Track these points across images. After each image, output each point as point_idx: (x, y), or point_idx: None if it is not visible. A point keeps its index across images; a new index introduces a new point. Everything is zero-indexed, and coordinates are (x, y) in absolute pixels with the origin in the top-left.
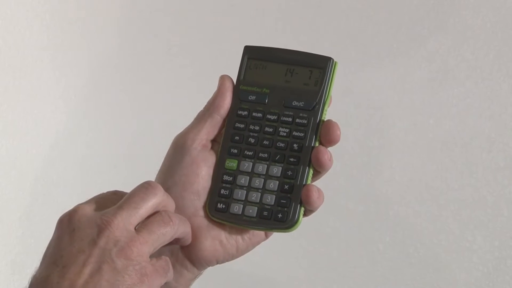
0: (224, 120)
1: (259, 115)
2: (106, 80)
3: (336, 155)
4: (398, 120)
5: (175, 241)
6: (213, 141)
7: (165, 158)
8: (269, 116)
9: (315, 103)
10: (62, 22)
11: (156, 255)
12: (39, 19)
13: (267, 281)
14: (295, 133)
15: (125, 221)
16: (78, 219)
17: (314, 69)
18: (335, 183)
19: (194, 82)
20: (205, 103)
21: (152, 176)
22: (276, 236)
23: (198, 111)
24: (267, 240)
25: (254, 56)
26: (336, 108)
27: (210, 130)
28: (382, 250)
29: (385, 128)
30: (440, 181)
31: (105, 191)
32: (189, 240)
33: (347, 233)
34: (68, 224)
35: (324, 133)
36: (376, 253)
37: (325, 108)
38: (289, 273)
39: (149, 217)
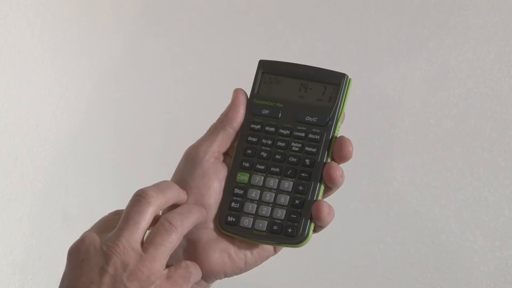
0: (237, 134)
1: (272, 129)
2: (107, 80)
3: None
4: (399, 120)
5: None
6: (225, 154)
7: (176, 170)
8: (282, 131)
9: (328, 118)
10: (63, 23)
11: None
12: (40, 20)
13: (268, 281)
14: (307, 149)
15: (130, 241)
16: (85, 249)
17: (328, 85)
18: None
19: (196, 82)
20: (208, 109)
21: (152, 177)
22: None
23: (201, 114)
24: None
25: (268, 70)
26: None
27: (222, 142)
28: (383, 250)
29: (386, 128)
30: (441, 181)
31: (104, 194)
32: (205, 217)
33: (348, 233)
34: (76, 256)
35: (336, 149)
36: (377, 253)
37: (338, 124)
38: (290, 273)
39: (153, 224)
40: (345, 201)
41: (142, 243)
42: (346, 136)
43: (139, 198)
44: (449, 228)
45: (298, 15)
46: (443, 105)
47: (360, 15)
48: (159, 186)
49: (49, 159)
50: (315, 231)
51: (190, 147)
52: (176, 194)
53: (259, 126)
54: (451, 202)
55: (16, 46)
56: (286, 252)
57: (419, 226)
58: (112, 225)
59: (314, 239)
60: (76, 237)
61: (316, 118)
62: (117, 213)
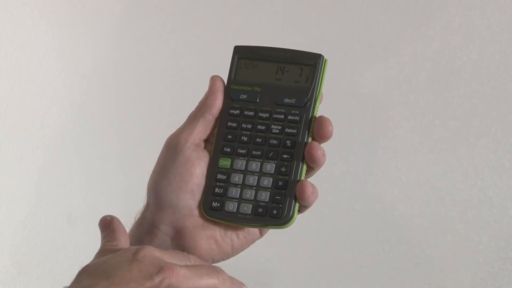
0: (217, 120)
1: (251, 113)
2: (112, 81)
3: (342, 156)
4: (404, 120)
5: None
6: (206, 141)
7: (159, 159)
8: (261, 114)
9: (306, 99)
10: (68, 23)
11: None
12: (45, 20)
13: (273, 281)
14: (287, 130)
15: (187, 278)
16: (144, 255)
17: (305, 66)
18: (341, 183)
19: (200, 82)
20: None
21: None
22: (282, 236)
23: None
24: (273, 240)
25: (244, 55)
26: (342, 109)
27: (202, 129)
28: (388, 251)
29: (391, 129)
30: (445, 181)
31: (109, 195)
32: None
33: (352, 233)
34: (133, 255)
35: (316, 129)
36: (382, 253)
37: (317, 104)
38: (294, 273)
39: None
40: (350, 202)
41: None
42: (350, 135)
43: (216, 268)
44: (454, 228)
45: (302, 15)
46: (448, 105)
47: (365, 15)
48: (233, 280)
49: (54, 160)
50: (300, 211)
51: (170, 135)
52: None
53: (238, 111)
54: (456, 203)
55: (21, 46)
56: (290, 252)
57: (424, 226)
58: (175, 259)
59: (319, 239)
60: (81, 238)
61: (295, 100)
62: (187, 256)
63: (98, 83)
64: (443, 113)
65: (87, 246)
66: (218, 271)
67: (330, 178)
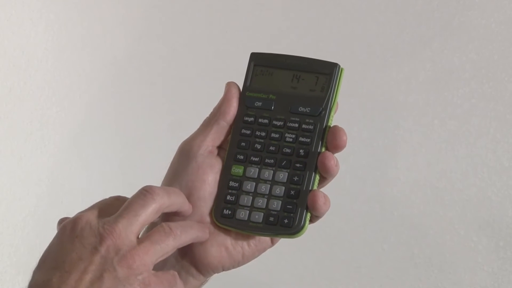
0: (231, 127)
1: (265, 121)
2: (111, 81)
3: (341, 156)
4: (403, 120)
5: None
6: (219, 147)
7: (171, 164)
8: (275, 122)
9: (321, 109)
10: (67, 23)
11: (164, 268)
12: (44, 20)
13: (272, 281)
14: (301, 139)
15: (127, 230)
16: (81, 227)
17: (321, 75)
18: (340, 183)
19: (200, 84)
20: (211, 109)
21: (156, 177)
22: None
23: (204, 114)
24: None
25: (260, 62)
26: (341, 109)
27: (216, 136)
28: (387, 251)
29: (390, 129)
30: (445, 181)
31: (108, 195)
32: (206, 237)
33: (352, 233)
34: (71, 232)
35: (330, 138)
36: (381, 253)
37: (332, 114)
38: (294, 273)
39: (152, 227)
40: (349, 202)
41: (137, 237)
42: (349, 134)
43: (145, 193)
44: (453, 228)
45: (302, 15)
46: (447, 105)
47: (364, 15)
48: (167, 189)
49: (53, 160)
50: (311, 221)
51: (184, 141)
52: (181, 201)
53: (252, 119)
54: (455, 203)
55: (20, 46)
56: (289, 252)
57: (423, 226)
58: (111, 210)
59: (318, 239)
60: None
61: (309, 109)
62: (118, 199)
63: (98, 83)
64: (442, 113)
65: None
66: (148, 191)
67: None
